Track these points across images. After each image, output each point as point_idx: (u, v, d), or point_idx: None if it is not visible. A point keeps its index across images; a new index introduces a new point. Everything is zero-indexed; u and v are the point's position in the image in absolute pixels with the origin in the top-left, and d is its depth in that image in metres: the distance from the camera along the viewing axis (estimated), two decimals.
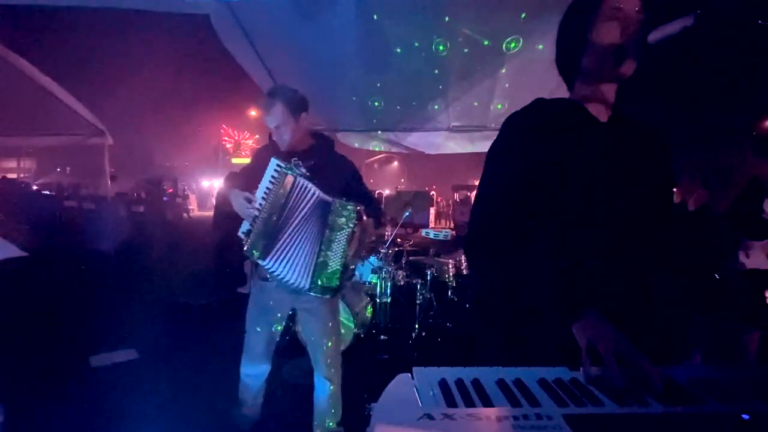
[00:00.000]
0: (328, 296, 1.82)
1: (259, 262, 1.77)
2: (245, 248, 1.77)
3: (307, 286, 1.76)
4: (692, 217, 0.98)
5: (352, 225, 1.73)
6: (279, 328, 2.04)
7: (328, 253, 1.75)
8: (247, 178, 1.91)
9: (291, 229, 1.74)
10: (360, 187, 1.99)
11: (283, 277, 1.76)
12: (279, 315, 2.01)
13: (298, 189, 1.71)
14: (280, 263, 1.76)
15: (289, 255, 1.76)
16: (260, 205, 1.72)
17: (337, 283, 1.79)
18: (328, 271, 1.76)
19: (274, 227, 1.72)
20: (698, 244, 0.98)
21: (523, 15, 2.89)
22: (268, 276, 1.85)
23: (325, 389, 1.99)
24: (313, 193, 1.72)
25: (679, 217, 1.03)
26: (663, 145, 1.05)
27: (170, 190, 16.59)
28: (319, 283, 1.77)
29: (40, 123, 6.23)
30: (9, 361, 2.89)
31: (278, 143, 1.87)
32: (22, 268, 4.14)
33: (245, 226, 1.80)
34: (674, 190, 1.07)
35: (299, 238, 1.75)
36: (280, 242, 1.75)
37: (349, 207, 1.72)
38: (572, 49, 1.00)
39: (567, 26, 1.02)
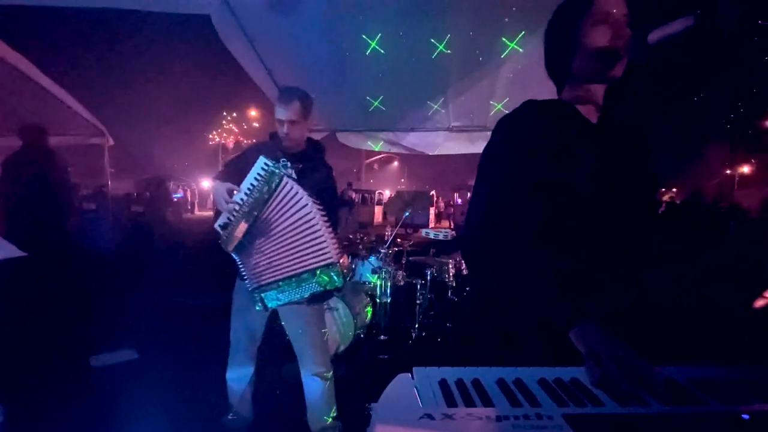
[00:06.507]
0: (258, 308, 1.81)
1: (231, 254, 1.80)
2: (220, 241, 1.80)
3: (250, 288, 1.79)
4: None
5: (327, 289, 1.67)
6: (260, 329, 2.03)
7: (289, 282, 1.70)
8: (231, 173, 1.88)
9: (270, 229, 1.71)
10: (331, 199, 1.93)
11: (242, 271, 1.80)
12: (257, 315, 1.98)
13: (284, 189, 1.65)
14: (249, 258, 1.78)
15: (260, 254, 1.75)
16: (242, 200, 1.72)
17: (274, 305, 1.79)
18: (275, 292, 1.75)
19: (253, 224, 1.73)
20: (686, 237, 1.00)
21: (522, 10, 2.88)
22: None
23: (316, 386, 1.97)
24: (301, 198, 1.62)
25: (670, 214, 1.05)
26: (647, 145, 1.07)
27: (171, 191, 16.58)
28: (262, 296, 1.78)
29: (41, 123, 6.22)
30: (9, 361, 2.88)
31: (283, 138, 1.87)
32: (22, 268, 4.13)
33: (222, 219, 1.81)
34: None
35: (275, 242, 1.71)
36: (257, 240, 1.74)
37: (335, 279, 1.63)
38: (562, 52, 1.01)
39: (555, 29, 1.03)
